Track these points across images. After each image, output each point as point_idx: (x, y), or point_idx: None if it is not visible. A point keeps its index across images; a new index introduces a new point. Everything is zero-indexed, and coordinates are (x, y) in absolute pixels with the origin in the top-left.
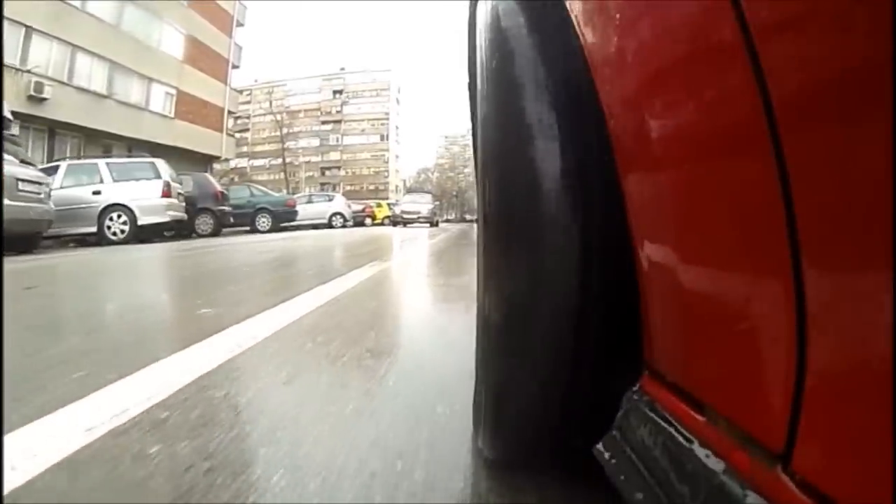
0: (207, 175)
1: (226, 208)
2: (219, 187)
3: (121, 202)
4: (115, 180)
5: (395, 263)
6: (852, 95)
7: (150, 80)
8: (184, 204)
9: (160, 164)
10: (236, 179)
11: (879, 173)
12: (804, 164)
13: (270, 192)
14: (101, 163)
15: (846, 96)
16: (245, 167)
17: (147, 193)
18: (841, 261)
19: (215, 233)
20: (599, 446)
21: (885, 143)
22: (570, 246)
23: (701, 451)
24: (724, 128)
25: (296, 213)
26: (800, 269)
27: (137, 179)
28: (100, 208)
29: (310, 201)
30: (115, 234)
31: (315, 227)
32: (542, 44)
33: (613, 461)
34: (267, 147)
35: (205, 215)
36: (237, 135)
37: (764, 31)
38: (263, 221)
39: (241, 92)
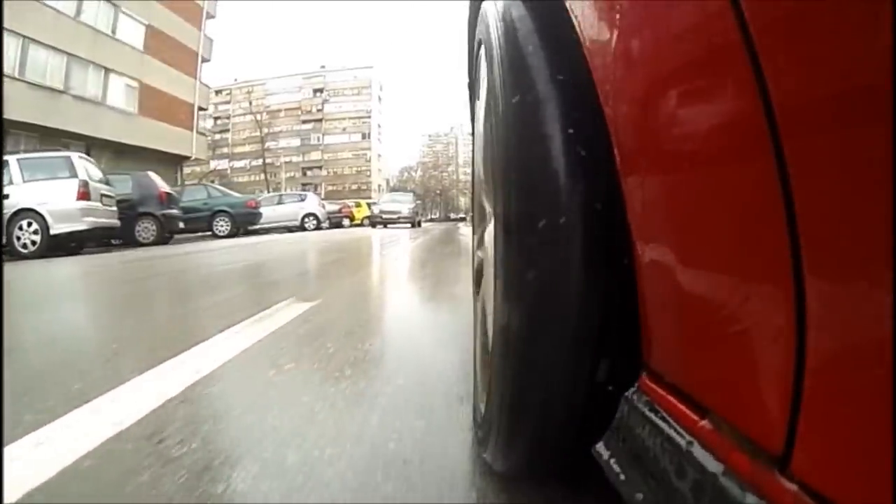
0: (150, 174)
1: (173, 212)
2: (164, 188)
3: (30, 207)
4: (25, 180)
5: (336, 299)
6: (852, 96)
7: (111, 72)
8: (114, 208)
9: (76, 158)
10: (216, 181)
11: (879, 175)
12: (804, 164)
13: (231, 192)
14: (13, 159)
15: (846, 96)
16: (226, 169)
17: (60, 196)
18: (841, 263)
19: (160, 241)
20: (599, 446)
21: (885, 144)
22: (578, 249)
23: (700, 453)
24: (723, 128)
25: (258, 214)
26: (799, 270)
27: (50, 179)
28: (8, 215)
29: (280, 202)
30: (24, 246)
31: (289, 229)
32: (558, 44)
33: (613, 461)
34: (247, 148)
35: (146, 221)
36: (217, 136)
37: (764, 31)
38: (222, 225)
39: (219, 92)
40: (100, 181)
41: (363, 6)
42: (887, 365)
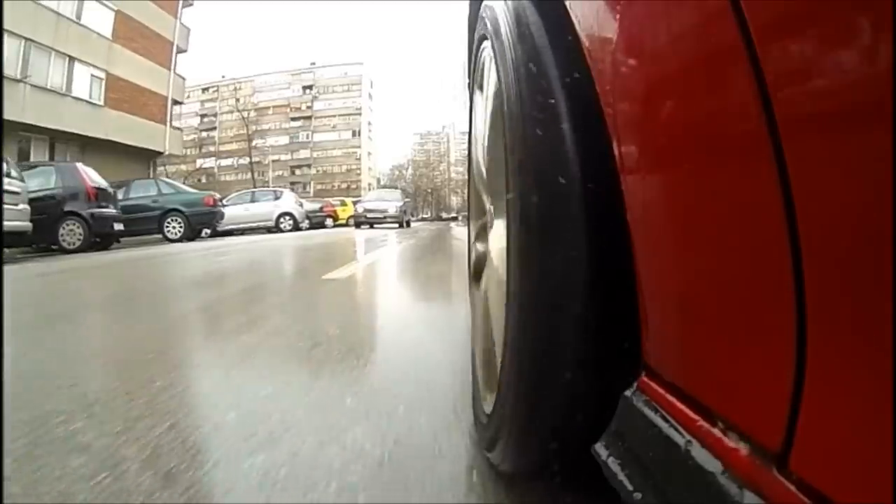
0: (78, 165)
1: (106, 211)
2: (95, 182)
3: None
4: None
5: None
6: (853, 96)
7: (76, 60)
8: (22, 206)
9: None
10: (203, 180)
11: (879, 174)
12: (804, 163)
13: (186, 188)
14: None
15: (846, 96)
16: (212, 167)
17: None
18: (841, 261)
19: (88, 246)
20: (598, 446)
21: (885, 144)
22: (579, 248)
23: (699, 451)
24: (723, 128)
25: (217, 214)
26: (800, 269)
27: None
28: None
29: (253, 199)
30: None
31: (269, 229)
32: (563, 45)
33: (612, 461)
34: (235, 146)
35: (72, 222)
36: (203, 133)
37: (764, 31)
38: (174, 227)
39: (206, 89)
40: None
41: (353, 3)
42: (887, 364)
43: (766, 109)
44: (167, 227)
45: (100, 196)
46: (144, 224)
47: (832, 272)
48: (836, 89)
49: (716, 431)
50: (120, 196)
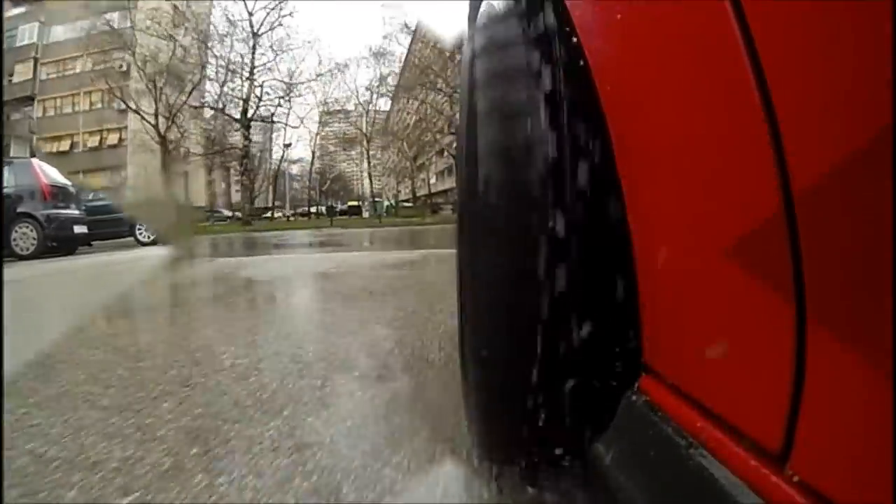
0: (34, 161)
1: (64, 212)
2: (51, 180)
3: None
4: None
5: None
6: (853, 95)
7: None
8: None
9: None
10: None
11: (879, 175)
12: (804, 164)
13: None
14: None
15: (847, 96)
16: None
17: None
18: (841, 263)
19: (44, 251)
20: (598, 446)
21: (885, 143)
22: (580, 249)
23: (699, 452)
24: (724, 127)
25: None
26: (800, 269)
27: None
28: None
29: None
30: None
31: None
32: (567, 43)
33: (612, 461)
34: None
35: (25, 225)
36: None
37: (765, 30)
38: (146, 229)
39: None
40: None
41: (352, 3)
42: (887, 364)
43: (767, 109)
44: (139, 229)
45: (57, 195)
46: (114, 226)
47: (832, 273)
48: (836, 89)
49: (716, 432)
50: (90, 196)
